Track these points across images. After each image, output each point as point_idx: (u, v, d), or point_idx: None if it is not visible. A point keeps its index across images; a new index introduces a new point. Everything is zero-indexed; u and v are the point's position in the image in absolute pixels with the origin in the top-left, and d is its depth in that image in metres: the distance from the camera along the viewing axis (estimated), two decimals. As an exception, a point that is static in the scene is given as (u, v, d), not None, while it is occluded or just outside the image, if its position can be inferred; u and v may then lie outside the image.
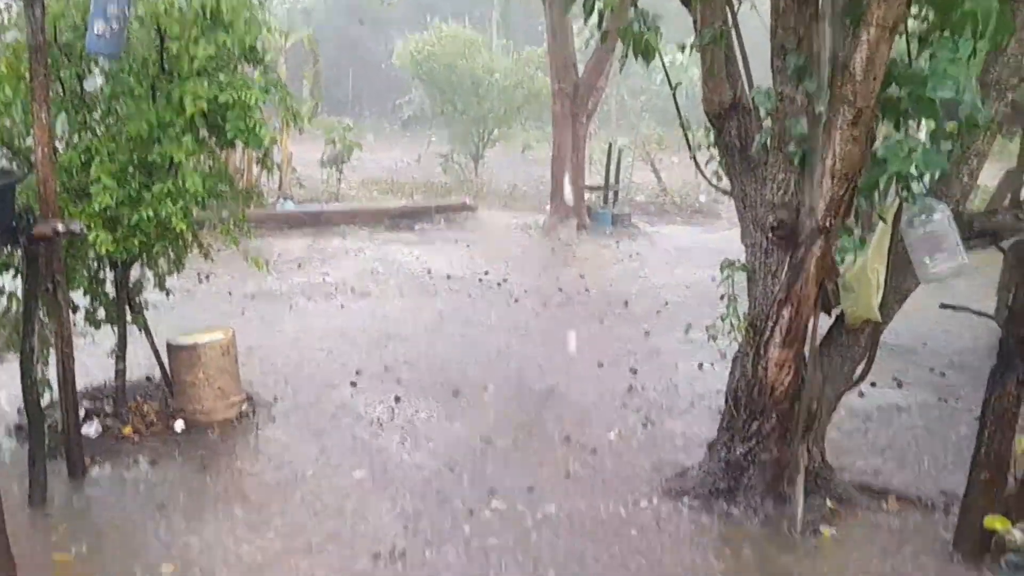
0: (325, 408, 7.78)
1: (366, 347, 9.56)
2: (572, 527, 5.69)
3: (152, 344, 7.30)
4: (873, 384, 8.19)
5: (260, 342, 9.43)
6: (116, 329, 7.14)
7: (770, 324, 5.61)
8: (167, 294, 7.50)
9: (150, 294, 7.47)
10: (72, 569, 5.05)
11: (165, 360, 7.39)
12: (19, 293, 6.10)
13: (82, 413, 6.86)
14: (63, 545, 5.35)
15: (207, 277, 11.90)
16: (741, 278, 6.28)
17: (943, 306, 6.10)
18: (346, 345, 9.62)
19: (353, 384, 8.39)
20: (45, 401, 6.19)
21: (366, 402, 7.96)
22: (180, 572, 5.01)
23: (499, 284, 12.36)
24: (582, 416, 7.70)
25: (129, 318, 7.16)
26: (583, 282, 12.58)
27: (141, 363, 8.08)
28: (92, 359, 7.97)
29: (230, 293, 11.50)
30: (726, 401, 6.27)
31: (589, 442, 7.11)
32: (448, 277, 12.66)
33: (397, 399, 8.00)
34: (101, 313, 7.09)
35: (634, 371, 8.86)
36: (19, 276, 5.93)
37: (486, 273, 12.85)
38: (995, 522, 5.27)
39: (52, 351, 6.26)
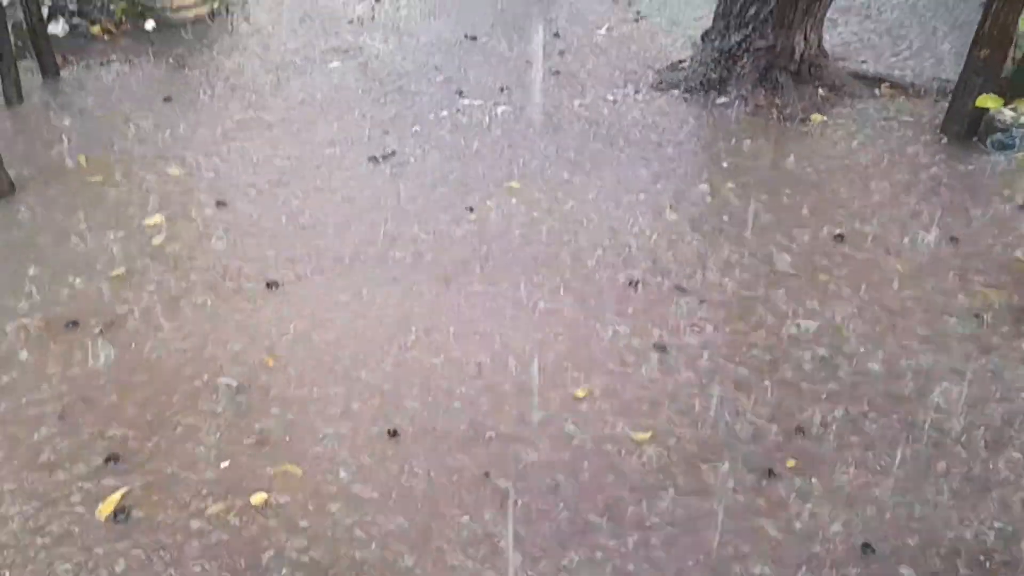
0: (302, 6, 7.39)
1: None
2: (562, 116, 5.64)
3: (107, -68, 6.74)
4: (879, -28, 7.79)
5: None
6: (65, -83, 6.55)
7: None
8: None
9: None
10: (89, 171, 4.99)
11: (125, -47, 6.87)
12: None
13: (45, 12, 6.51)
14: (52, 142, 5.28)
15: None
16: None
17: None
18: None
19: (331, -19, 7.91)
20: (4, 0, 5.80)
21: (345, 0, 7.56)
22: (187, 172, 4.95)
23: None
24: (571, 11, 7.36)
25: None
26: None
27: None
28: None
29: None
30: (725, -16, 5.95)
31: (578, 37, 6.85)
32: None
33: (377, -5, 7.60)
34: None
35: (627, -36, 8.34)
36: None
37: None
38: (988, 100, 5.23)
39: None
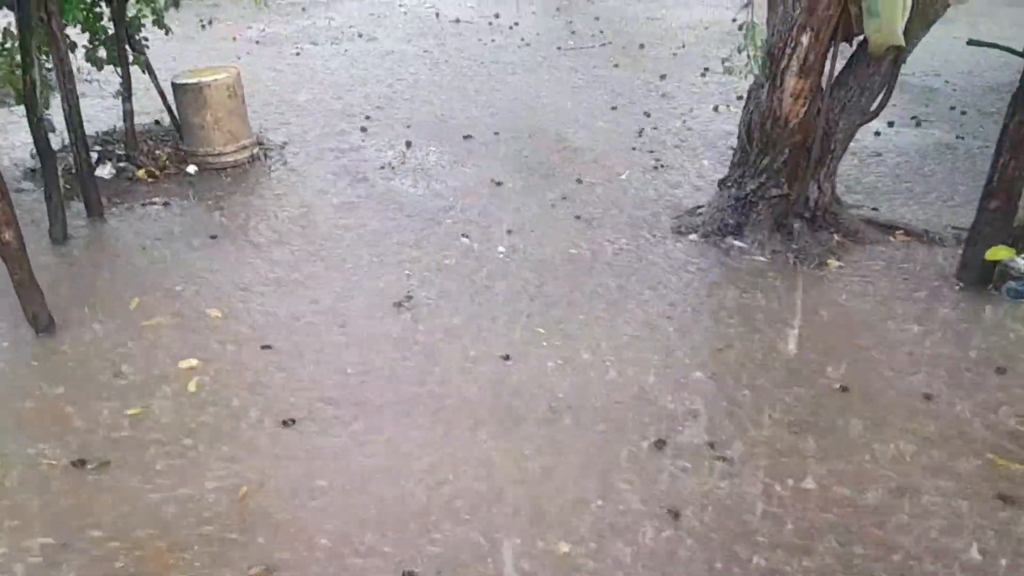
0: (337, 152, 7.75)
1: (374, 92, 9.38)
2: (583, 260, 5.81)
3: (156, 84, 7.19)
4: (891, 124, 8.07)
5: (269, 87, 9.30)
6: (119, 70, 7.01)
7: (788, 52, 5.43)
8: (166, 31, 7.29)
9: (150, 33, 7.26)
10: (129, 309, 5.22)
11: (172, 102, 7.30)
12: (14, 27, 5.89)
13: (95, 157, 6.90)
14: (93, 280, 5.52)
15: (209, 22, 11.55)
16: (763, 7, 6.01)
17: (971, 42, 5.83)
18: (354, 90, 9.45)
19: (363, 129, 8.32)
20: (56, 144, 6.17)
21: (377, 146, 7.92)
22: (225, 316, 5.12)
23: (510, 28, 11.93)
24: (593, 158, 7.65)
25: (131, 58, 7.00)
26: (597, 24, 12.12)
27: (149, 109, 8.01)
28: (100, 106, 7.91)
29: (234, 39, 11.19)
30: (739, 136, 6.20)
31: (599, 183, 7.11)
32: (457, 21, 12.21)
33: (408, 144, 7.94)
34: (102, 52, 6.92)
35: (647, 114, 8.71)
36: (13, 7, 5.69)
37: (496, 16, 12.37)
38: (999, 252, 5.33)
39: (55, 95, 6.19)
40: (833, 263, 5.76)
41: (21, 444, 3.98)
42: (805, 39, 5.31)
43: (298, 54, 10.83)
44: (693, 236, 6.17)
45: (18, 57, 5.67)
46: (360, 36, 11.55)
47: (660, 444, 4.03)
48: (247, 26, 11.79)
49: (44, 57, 6.09)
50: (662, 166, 7.45)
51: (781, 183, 5.96)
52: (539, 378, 4.51)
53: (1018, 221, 5.46)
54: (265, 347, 4.78)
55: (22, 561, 3.34)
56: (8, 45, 6.22)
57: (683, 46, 10.98)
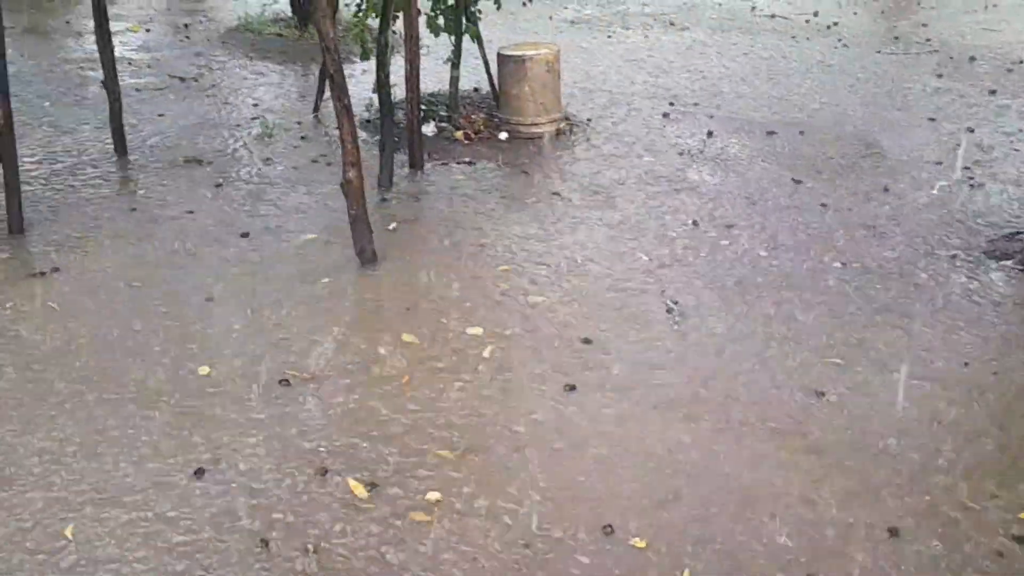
0: (638, 134, 7.93)
1: (681, 79, 9.47)
2: (860, 272, 5.61)
3: (483, 55, 7.71)
4: None
5: (578, 66, 9.64)
6: (452, 38, 7.59)
7: None
8: (498, 6, 7.79)
9: (483, 4, 7.79)
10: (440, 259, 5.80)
11: (494, 72, 7.80)
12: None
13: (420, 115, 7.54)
14: (412, 225, 6.11)
15: (530, 0, 12.12)
16: None
17: None
18: (660, 76, 9.59)
19: (666, 115, 8.44)
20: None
21: (678, 133, 8.02)
22: (515, 271, 5.52)
23: (828, 27, 11.52)
24: (903, 168, 7.28)
25: (464, 28, 7.57)
26: (924, 32, 11.41)
27: (469, 75, 8.60)
28: (427, 68, 8.57)
29: (551, 18, 11.68)
30: (1083, 161, 5.69)
31: (907, 193, 6.78)
32: (772, 16, 11.98)
33: (709, 133, 7.97)
34: (440, 20, 7.51)
35: (971, 130, 8.13)
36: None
37: (815, 14, 11.98)
38: None
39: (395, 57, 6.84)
40: None
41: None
42: None
43: (609, 36, 11.13)
44: (1008, 262, 5.76)
45: (369, 20, 6.35)
46: (672, 24, 11.65)
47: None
48: (563, 7, 12.27)
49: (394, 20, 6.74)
50: (979, 185, 6.96)
51: (1124, 218, 5.42)
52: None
53: None
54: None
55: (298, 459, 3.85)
56: (364, 7, 6.95)
57: (1021, 62, 10.09)
